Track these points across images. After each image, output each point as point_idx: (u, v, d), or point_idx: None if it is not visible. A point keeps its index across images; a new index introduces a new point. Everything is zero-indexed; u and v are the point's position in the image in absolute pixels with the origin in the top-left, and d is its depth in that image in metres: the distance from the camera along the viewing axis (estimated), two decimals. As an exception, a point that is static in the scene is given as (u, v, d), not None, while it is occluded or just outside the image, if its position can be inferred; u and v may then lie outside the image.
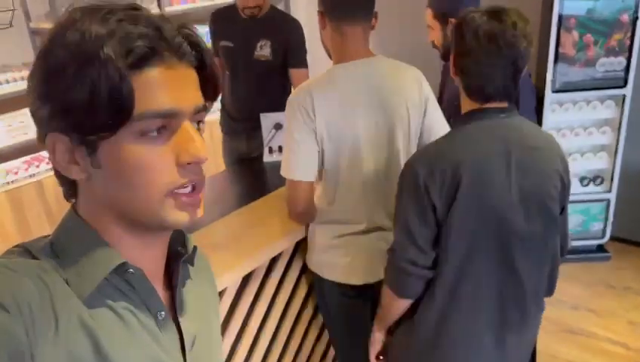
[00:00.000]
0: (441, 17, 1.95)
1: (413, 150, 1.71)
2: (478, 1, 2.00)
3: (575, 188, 3.30)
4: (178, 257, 0.77)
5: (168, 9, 3.88)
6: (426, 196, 1.28)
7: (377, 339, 1.60)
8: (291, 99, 1.60)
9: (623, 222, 3.42)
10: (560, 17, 2.87)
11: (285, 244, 1.83)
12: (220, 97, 2.84)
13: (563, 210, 1.41)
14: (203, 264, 0.87)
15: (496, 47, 1.24)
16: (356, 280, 1.74)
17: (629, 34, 2.89)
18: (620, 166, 3.20)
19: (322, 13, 1.62)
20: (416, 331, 1.43)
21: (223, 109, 2.84)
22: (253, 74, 2.58)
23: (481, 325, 1.38)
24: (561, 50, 2.93)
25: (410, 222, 1.32)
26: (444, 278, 1.34)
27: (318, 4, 1.64)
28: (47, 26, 3.34)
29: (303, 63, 2.59)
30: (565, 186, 1.37)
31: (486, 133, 1.31)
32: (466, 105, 1.35)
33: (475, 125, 1.32)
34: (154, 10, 3.84)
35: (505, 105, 1.32)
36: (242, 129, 2.71)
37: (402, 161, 1.67)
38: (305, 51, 2.60)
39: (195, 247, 0.78)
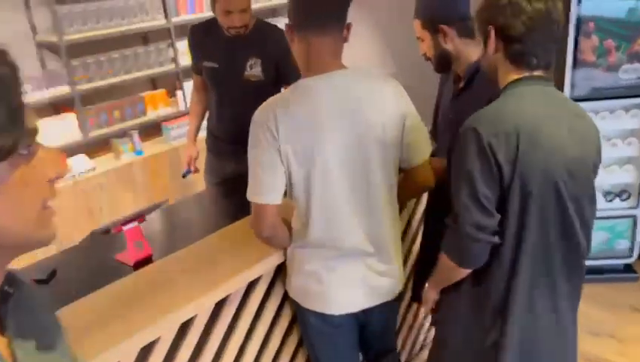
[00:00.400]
0: (431, 26, 1.81)
1: (394, 169, 1.58)
2: (468, 4, 1.85)
3: (599, 203, 3.05)
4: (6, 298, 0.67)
5: (175, 19, 3.84)
6: (492, 157, 1.30)
7: (430, 298, 1.64)
8: (255, 118, 1.49)
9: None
10: (578, 21, 2.67)
11: (263, 268, 1.71)
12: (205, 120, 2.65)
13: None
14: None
15: (547, 19, 1.34)
16: (336, 309, 1.61)
17: (654, 38, 2.67)
18: (648, 179, 2.97)
19: (290, 27, 1.50)
20: (482, 304, 1.46)
21: (209, 132, 2.68)
22: (243, 95, 2.37)
23: (542, 290, 1.43)
24: (579, 56, 2.74)
25: (477, 183, 1.33)
26: (507, 243, 1.38)
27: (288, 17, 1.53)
28: (54, 39, 3.34)
29: (297, 77, 2.46)
30: (598, 159, 1.44)
31: (538, 98, 1.37)
32: (511, 74, 1.40)
33: (528, 90, 1.37)
34: (161, 20, 3.83)
35: (546, 75, 1.40)
36: (231, 151, 2.52)
37: (381, 181, 1.54)
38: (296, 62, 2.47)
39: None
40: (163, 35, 3.88)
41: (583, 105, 2.82)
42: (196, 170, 2.73)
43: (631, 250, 3.12)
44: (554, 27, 1.36)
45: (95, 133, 3.60)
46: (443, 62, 1.87)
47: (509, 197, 1.33)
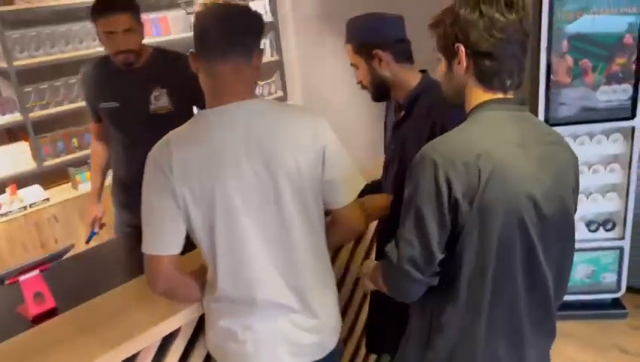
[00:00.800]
0: (364, 51, 1.65)
1: (316, 211, 1.38)
2: (403, 25, 1.69)
3: (582, 234, 2.87)
4: None
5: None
6: (447, 191, 1.16)
7: (368, 286, 1.55)
8: (149, 156, 1.31)
9: (638, 270, 2.97)
10: (549, 41, 2.50)
11: (181, 321, 1.50)
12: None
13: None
14: None
15: (520, 31, 1.21)
16: (258, 370, 1.40)
17: (634, 57, 2.49)
18: (633, 208, 2.76)
19: (193, 54, 1.33)
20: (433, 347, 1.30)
21: (118, 182, 2.40)
22: (154, 132, 1.89)
23: (505, 338, 1.28)
24: (553, 77, 2.55)
25: (426, 220, 1.19)
26: (462, 284, 1.23)
27: None
28: (4, 65, 3.18)
29: None
30: (576, 190, 1.31)
31: (508, 124, 1.23)
32: (479, 96, 1.25)
33: (496, 115, 1.24)
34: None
35: (514, 96, 1.27)
36: None
37: (300, 225, 1.35)
38: None
39: None
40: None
41: (559, 129, 2.65)
42: (102, 226, 2.48)
43: (618, 283, 2.90)
44: (526, 40, 1.23)
45: (51, 162, 3.42)
46: (380, 91, 1.71)
47: (466, 236, 1.18)
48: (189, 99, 2.15)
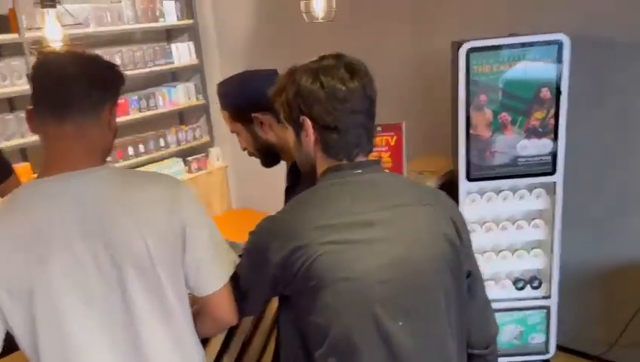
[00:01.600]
0: (243, 116, 1.49)
1: (176, 301, 1.16)
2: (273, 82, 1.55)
3: (509, 292, 2.74)
4: None
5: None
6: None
7: None
8: None
9: (568, 329, 2.86)
10: (467, 94, 2.40)
11: None
12: None
13: (469, 275, 1.23)
14: None
15: (364, 98, 1.14)
16: None
17: (552, 111, 2.42)
18: (560, 265, 2.65)
19: (29, 111, 1.11)
20: None
21: None
22: None
23: None
24: (472, 132, 2.45)
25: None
26: None
27: None
28: None
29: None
30: (457, 246, 1.16)
31: (353, 193, 1.13)
32: (325, 164, 1.18)
33: (338, 183, 1.15)
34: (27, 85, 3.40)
35: (370, 159, 1.20)
36: None
37: (152, 319, 1.12)
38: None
39: None
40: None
41: (480, 185, 2.57)
42: None
43: (546, 344, 2.77)
44: (372, 106, 1.17)
45: None
46: (269, 156, 1.55)
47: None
48: None
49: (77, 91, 1.08)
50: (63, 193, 1.06)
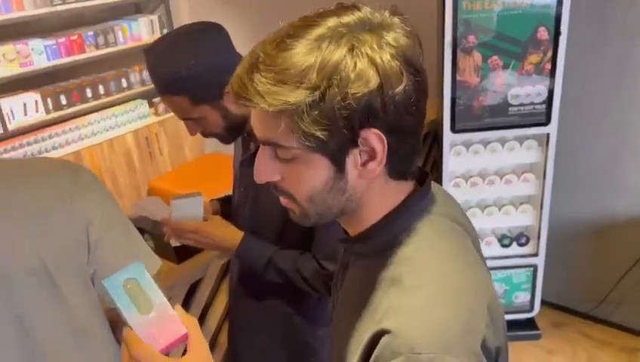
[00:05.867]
0: (209, 95, 1.19)
1: (84, 314, 0.94)
2: (228, 36, 1.25)
3: (494, 250, 2.57)
4: None
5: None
6: None
7: None
8: None
9: (555, 286, 2.72)
10: (455, 35, 2.10)
11: None
12: None
13: None
14: None
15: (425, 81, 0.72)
16: None
17: (549, 54, 2.13)
18: (548, 221, 2.46)
19: None
20: None
21: None
22: None
23: None
24: (459, 77, 2.17)
25: None
26: None
27: None
28: None
29: None
30: None
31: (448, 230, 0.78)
32: (392, 195, 0.75)
33: (434, 222, 0.77)
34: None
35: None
36: None
37: (57, 342, 0.90)
38: None
39: None
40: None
41: (466, 136, 2.32)
42: None
43: (531, 303, 2.63)
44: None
45: None
46: (235, 130, 1.28)
47: None
48: None
49: None
50: None
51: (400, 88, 0.65)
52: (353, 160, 0.68)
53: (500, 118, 2.25)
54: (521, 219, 2.52)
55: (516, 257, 2.56)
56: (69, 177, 0.92)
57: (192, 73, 1.14)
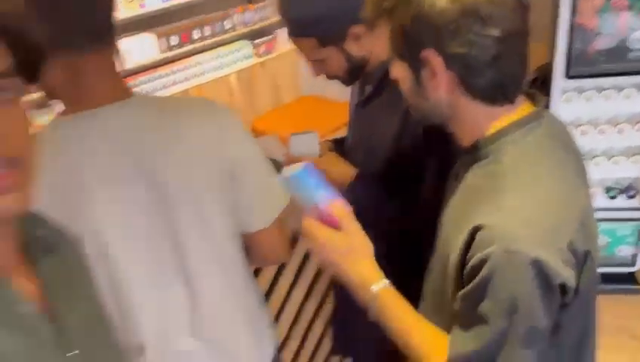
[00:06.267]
0: (336, 36, 1.27)
1: (225, 237, 1.07)
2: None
3: (599, 201, 2.49)
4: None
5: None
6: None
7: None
8: None
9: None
10: (576, -28, 1.99)
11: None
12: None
13: None
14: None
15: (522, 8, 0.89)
16: None
17: (681, -6, 1.98)
18: (662, 175, 2.35)
19: None
20: None
21: None
22: None
23: None
24: (577, 19, 2.07)
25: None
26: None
27: None
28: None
29: None
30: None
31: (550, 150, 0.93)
32: (488, 120, 0.90)
33: (532, 142, 0.90)
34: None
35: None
36: None
37: (207, 255, 1.04)
38: None
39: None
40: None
41: (582, 82, 2.24)
42: None
43: (634, 257, 2.55)
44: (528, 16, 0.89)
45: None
46: (356, 72, 1.35)
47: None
48: None
49: (98, 19, 0.94)
50: (98, 129, 0.96)
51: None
52: (425, 75, 0.86)
53: (618, 63, 2.14)
54: (631, 170, 2.42)
55: (622, 210, 2.48)
56: (220, 116, 1.04)
57: (321, 16, 1.21)
